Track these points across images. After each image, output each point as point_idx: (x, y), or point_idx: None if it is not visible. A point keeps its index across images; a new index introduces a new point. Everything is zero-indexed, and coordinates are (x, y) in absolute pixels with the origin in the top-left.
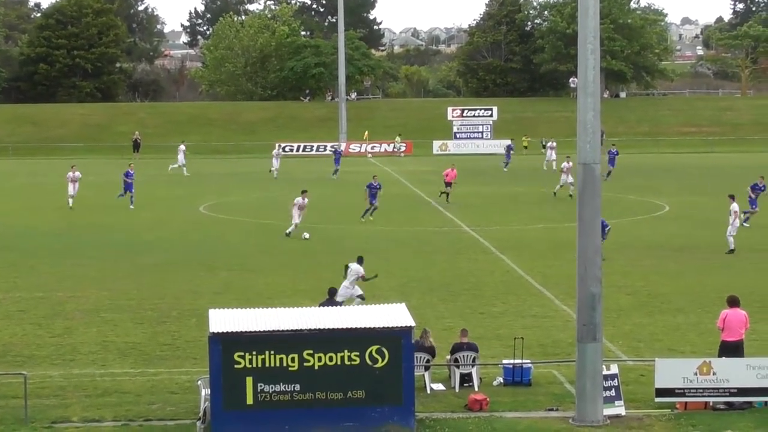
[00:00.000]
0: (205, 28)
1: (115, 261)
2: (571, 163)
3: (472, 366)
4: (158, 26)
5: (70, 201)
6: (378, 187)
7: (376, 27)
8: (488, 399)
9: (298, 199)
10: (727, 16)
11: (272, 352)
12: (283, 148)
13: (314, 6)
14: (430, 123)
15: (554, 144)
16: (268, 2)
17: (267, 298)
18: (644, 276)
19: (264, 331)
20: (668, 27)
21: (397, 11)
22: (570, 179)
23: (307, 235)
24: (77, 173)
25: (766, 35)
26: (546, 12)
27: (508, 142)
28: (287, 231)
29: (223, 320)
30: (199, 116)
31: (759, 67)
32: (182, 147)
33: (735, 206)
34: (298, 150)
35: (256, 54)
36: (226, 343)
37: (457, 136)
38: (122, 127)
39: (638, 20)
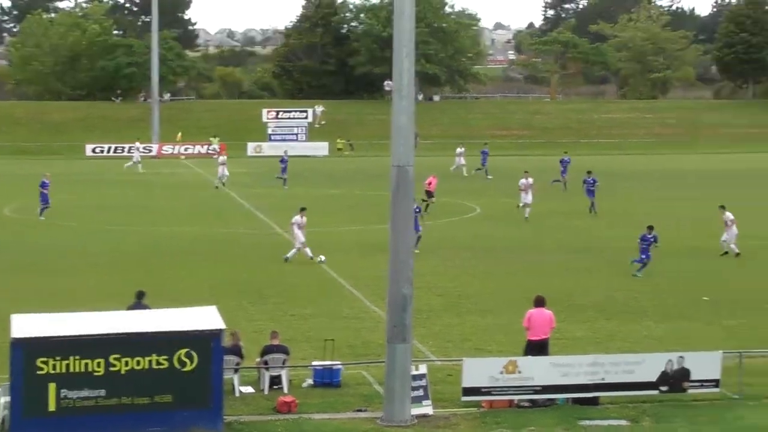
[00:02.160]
0: (11, 25)
1: None
2: (531, 180)
3: (282, 368)
4: None
5: None
6: (417, 211)
7: (190, 27)
8: (297, 401)
9: (297, 218)
10: (538, 22)
11: (77, 358)
12: (139, 148)
13: (127, 5)
14: (244, 124)
15: (463, 149)
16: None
17: (73, 301)
18: (454, 277)
19: (69, 336)
20: (481, 32)
21: (212, 12)
22: (529, 198)
23: (323, 258)
24: None
25: (574, 41)
26: (362, 15)
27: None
28: (287, 255)
29: (26, 325)
30: (4, 116)
31: (568, 73)
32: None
33: (728, 215)
34: (109, 151)
35: (66, 53)
36: (28, 349)
37: (272, 137)
38: None
39: (452, 24)
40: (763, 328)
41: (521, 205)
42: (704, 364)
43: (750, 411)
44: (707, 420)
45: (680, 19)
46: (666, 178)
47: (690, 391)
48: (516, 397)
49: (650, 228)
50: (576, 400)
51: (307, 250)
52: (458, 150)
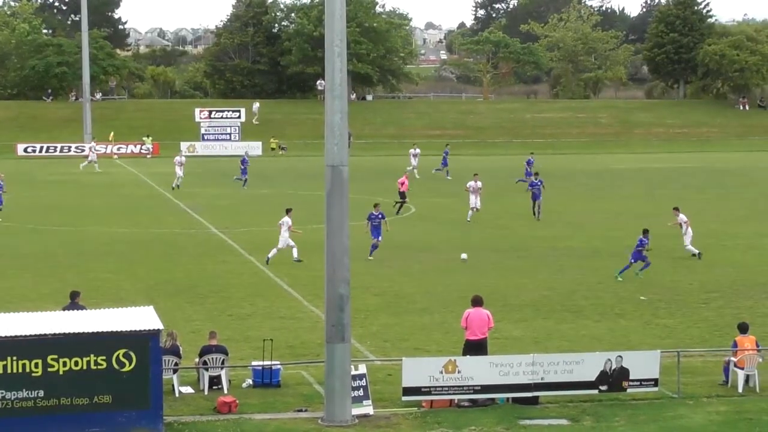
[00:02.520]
0: None
1: None
2: (479, 183)
3: (221, 368)
4: None
5: None
6: (381, 217)
7: (121, 26)
8: (237, 401)
9: (285, 219)
10: (469, 21)
11: (14, 358)
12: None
13: (56, 4)
14: (177, 124)
15: (417, 151)
16: None
17: (8, 302)
18: (391, 277)
19: (6, 337)
20: (413, 31)
21: (142, 11)
22: (478, 203)
23: (465, 256)
24: None
25: (505, 41)
26: (293, 14)
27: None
28: (269, 255)
29: None
30: None
31: (499, 72)
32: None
33: (682, 216)
34: (41, 151)
35: None
36: None
37: (205, 137)
38: None
39: (384, 24)
40: (700, 327)
41: (472, 209)
42: (643, 364)
43: (688, 409)
44: (646, 419)
45: (610, 19)
46: (599, 178)
47: (629, 390)
48: (456, 397)
49: (645, 231)
50: (516, 400)
51: (283, 248)
52: (412, 150)
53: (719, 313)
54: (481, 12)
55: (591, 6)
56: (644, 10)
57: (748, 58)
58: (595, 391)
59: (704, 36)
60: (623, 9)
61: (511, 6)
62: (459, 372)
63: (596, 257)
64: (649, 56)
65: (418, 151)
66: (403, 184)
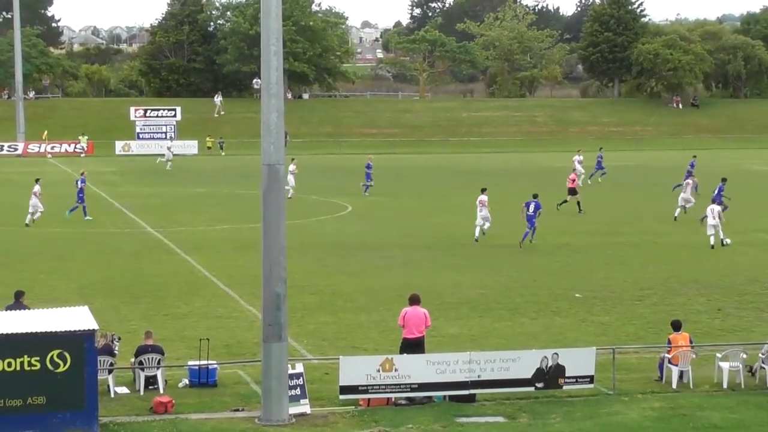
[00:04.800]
0: None
1: None
2: (293, 166)
3: (158, 368)
4: None
5: None
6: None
7: (54, 24)
8: (173, 401)
9: None
10: (406, 20)
11: None
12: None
13: None
14: (112, 123)
15: (581, 157)
16: None
17: None
18: (328, 275)
19: None
20: (349, 30)
21: (76, 9)
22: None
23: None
24: None
25: (442, 40)
26: (228, 13)
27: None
28: None
29: None
30: None
31: (436, 71)
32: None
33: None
34: None
35: None
36: None
37: (140, 136)
38: None
39: (320, 23)
40: (635, 324)
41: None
42: (579, 361)
43: (623, 406)
44: (582, 415)
45: (546, 18)
46: (537, 176)
47: (565, 387)
48: (393, 395)
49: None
50: (453, 398)
51: None
52: (577, 157)
53: (653, 310)
54: (417, 11)
55: (526, 5)
56: (579, 9)
57: (681, 57)
58: (532, 389)
59: (638, 35)
60: (558, 8)
61: (446, 5)
62: (396, 370)
63: (531, 255)
64: (584, 55)
65: (581, 157)
66: (573, 180)
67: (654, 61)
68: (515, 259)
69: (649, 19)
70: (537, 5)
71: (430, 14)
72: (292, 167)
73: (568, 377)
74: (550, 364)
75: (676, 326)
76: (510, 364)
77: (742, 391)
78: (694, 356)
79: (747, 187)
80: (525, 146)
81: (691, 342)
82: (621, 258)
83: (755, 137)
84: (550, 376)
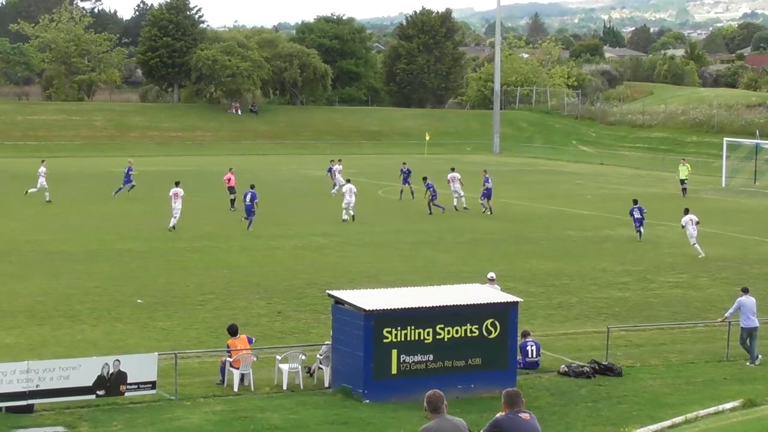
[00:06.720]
0: None
1: None
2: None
3: None
4: None
5: None
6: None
7: None
8: None
9: None
10: None
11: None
12: None
13: None
14: None
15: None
16: None
17: None
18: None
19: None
20: None
21: None
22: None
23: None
24: None
25: None
26: None
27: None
28: None
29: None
30: None
31: None
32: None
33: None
34: None
35: None
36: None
37: None
38: None
39: None
40: (197, 329)
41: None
42: (141, 367)
43: (186, 410)
44: (144, 422)
45: (104, 21)
46: (96, 180)
47: (127, 394)
48: None
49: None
50: (9, 409)
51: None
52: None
53: (216, 315)
54: None
55: (83, 8)
56: (137, 13)
57: (239, 63)
58: (93, 396)
59: (197, 41)
60: (116, 12)
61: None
62: None
63: (92, 261)
64: (143, 60)
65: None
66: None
67: (213, 67)
68: (76, 266)
69: (208, 25)
70: (94, 8)
71: None
72: None
73: (130, 383)
74: (111, 371)
75: (233, 331)
76: (70, 372)
77: (302, 391)
78: (254, 359)
79: (305, 192)
80: (84, 151)
81: (249, 342)
82: (183, 263)
83: (311, 143)
84: (112, 383)
